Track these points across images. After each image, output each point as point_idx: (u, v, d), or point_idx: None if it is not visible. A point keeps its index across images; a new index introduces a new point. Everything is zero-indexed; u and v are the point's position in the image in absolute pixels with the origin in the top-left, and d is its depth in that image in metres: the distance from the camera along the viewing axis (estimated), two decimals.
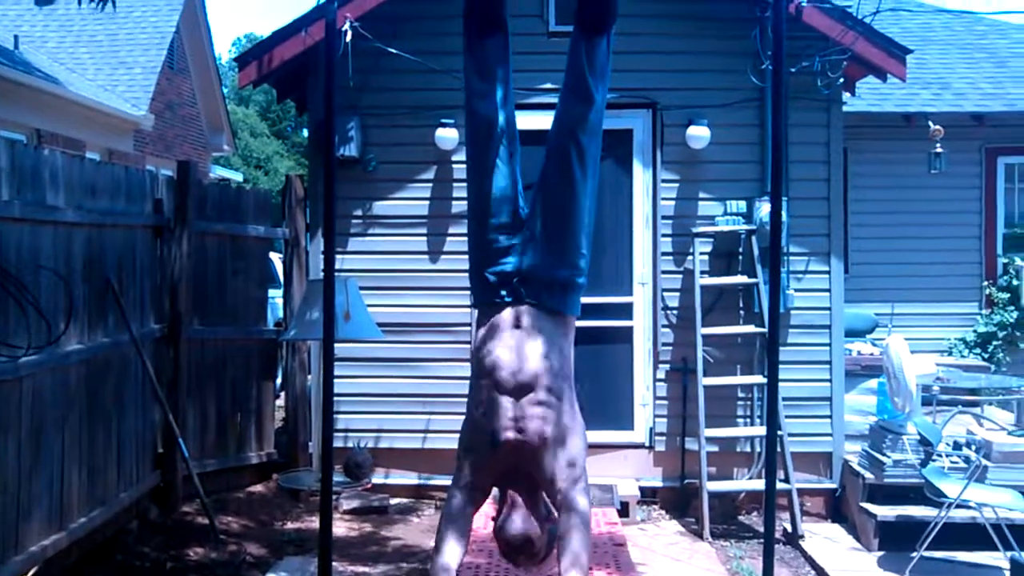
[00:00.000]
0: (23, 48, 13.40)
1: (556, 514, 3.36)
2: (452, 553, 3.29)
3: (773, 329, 3.14)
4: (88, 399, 5.44)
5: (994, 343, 9.93)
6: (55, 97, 12.30)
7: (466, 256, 3.60)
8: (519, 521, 3.33)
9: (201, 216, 6.88)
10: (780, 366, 3.32)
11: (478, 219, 3.54)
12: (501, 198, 3.46)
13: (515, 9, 3.61)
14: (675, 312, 7.20)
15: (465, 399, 3.53)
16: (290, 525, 6.69)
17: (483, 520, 3.71)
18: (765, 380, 6.63)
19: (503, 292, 3.43)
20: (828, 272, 7.14)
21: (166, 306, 6.57)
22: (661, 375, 7.22)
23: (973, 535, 5.68)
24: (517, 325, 3.37)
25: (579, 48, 3.42)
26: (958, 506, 5.56)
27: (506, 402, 3.30)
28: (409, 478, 7.26)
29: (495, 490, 3.53)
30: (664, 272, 7.21)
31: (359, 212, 7.28)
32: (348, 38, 6.67)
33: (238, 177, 23.70)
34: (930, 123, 9.22)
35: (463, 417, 3.49)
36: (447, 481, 3.55)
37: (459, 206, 7.09)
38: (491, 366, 3.34)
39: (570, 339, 3.51)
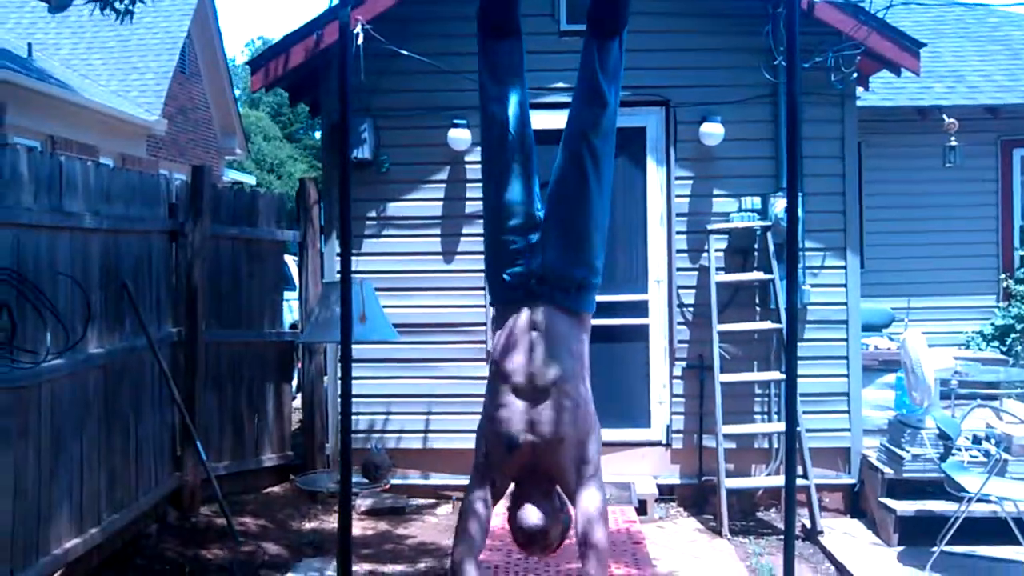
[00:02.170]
0: (37, 55, 13.47)
1: (570, 506, 3.47)
2: (471, 551, 3.35)
3: (792, 325, 3.14)
4: (106, 404, 5.47)
5: (1012, 336, 9.84)
6: (69, 103, 12.36)
7: (480, 256, 3.64)
8: (535, 513, 3.41)
9: (216, 220, 6.90)
10: (797, 362, 3.31)
11: (494, 221, 3.58)
12: (517, 201, 3.49)
13: (526, 9, 3.61)
14: (691, 309, 7.19)
15: (480, 398, 3.59)
16: (308, 526, 6.71)
17: (500, 520, 3.79)
18: (782, 376, 6.68)
19: (519, 292, 3.47)
20: (844, 267, 7.12)
21: (182, 310, 6.59)
22: (678, 372, 7.21)
23: (994, 529, 5.65)
24: (533, 327, 3.41)
25: (592, 51, 3.44)
26: (979, 500, 5.53)
27: (523, 405, 3.37)
28: (425, 478, 7.27)
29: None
30: (679, 269, 7.20)
31: (373, 214, 7.29)
32: (360, 40, 6.68)
33: (251, 181, 23.78)
34: (944, 116, 9.16)
35: (479, 417, 3.55)
36: (463, 481, 3.61)
37: (472, 206, 7.10)
38: (508, 369, 3.40)
39: (586, 337, 3.57)
